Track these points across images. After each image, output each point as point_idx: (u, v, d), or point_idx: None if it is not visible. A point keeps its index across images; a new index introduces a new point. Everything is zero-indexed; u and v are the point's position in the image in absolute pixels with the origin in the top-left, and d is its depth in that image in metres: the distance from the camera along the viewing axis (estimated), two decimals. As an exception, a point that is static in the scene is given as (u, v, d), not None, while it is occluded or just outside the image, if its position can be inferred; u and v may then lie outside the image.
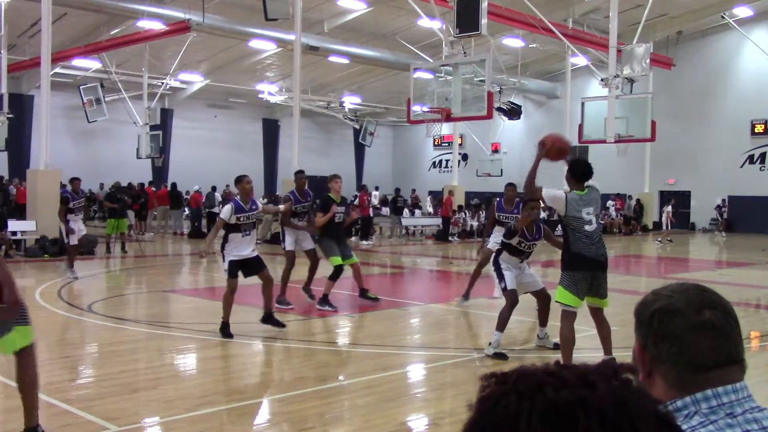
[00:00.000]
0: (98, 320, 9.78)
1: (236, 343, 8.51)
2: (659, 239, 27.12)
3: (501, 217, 10.63)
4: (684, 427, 1.31)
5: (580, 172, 7.03)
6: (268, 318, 8.96)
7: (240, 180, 8.94)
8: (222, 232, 8.83)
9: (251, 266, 8.73)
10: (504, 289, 8.17)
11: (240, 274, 8.72)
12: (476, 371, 7.62)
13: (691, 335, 1.37)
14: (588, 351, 8.50)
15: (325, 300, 10.49)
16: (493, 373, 0.91)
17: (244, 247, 8.64)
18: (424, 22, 24.33)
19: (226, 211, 8.65)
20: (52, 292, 12.22)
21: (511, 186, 11.06)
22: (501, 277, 8.18)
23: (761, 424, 1.32)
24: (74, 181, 14.40)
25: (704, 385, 1.35)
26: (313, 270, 11.18)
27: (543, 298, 8.58)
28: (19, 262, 17.02)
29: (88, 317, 10.01)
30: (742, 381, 1.38)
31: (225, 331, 8.55)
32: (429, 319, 10.58)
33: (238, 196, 8.89)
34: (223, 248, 8.71)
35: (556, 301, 7.05)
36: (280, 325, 8.97)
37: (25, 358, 4.80)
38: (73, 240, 13.91)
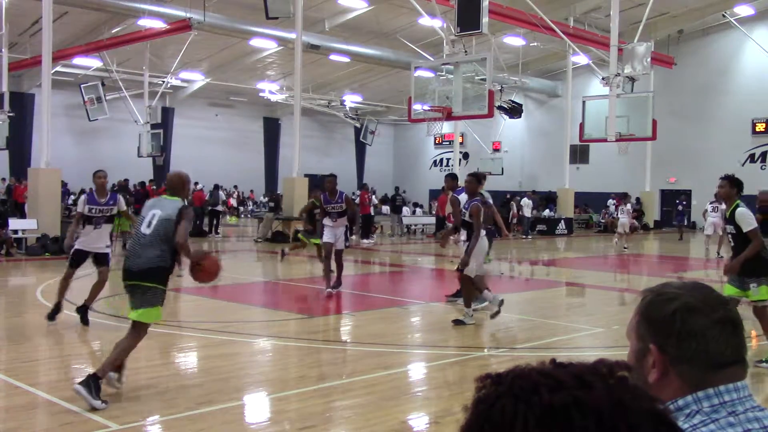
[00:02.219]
0: (99, 319, 9.78)
1: (237, 342, 8.51)
2: (625, 245, 23.20)
3: (327, 208, 11.92)
4: (685, 426, 1.30)
5: (741, 186, 7.66)
6: None
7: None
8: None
9: None
10: None
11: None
12: (477, 370, 7.63)
13: (715, 332, 1.37)
14: (589, 350, 8.52)
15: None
16: (488, 374, 0.91)
17: None
18: (425, 21, 24.35)
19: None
20: (53, 290, 12.22)
21: (330, 178, 12.15)
22: None
23: (762, 423, 1.32)
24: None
25: (721, 382, 1.35)
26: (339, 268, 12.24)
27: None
28: (20, 261, 17.04)
29: (89, 315, 10.01)
30: (744, 379, 1.38)
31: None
32: (429, 318, 10.58)
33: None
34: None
35: (758, 301, 7.38)
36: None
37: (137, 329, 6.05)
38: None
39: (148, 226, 5.98)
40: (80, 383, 5.66)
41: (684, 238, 27.80)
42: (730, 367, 1.36)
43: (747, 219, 7.32)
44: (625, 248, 23.01)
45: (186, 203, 6.20)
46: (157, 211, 5.99)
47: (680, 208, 28.88)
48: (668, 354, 1.39)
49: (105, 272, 9.22)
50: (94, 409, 5.57)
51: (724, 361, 1.36)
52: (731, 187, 7.49)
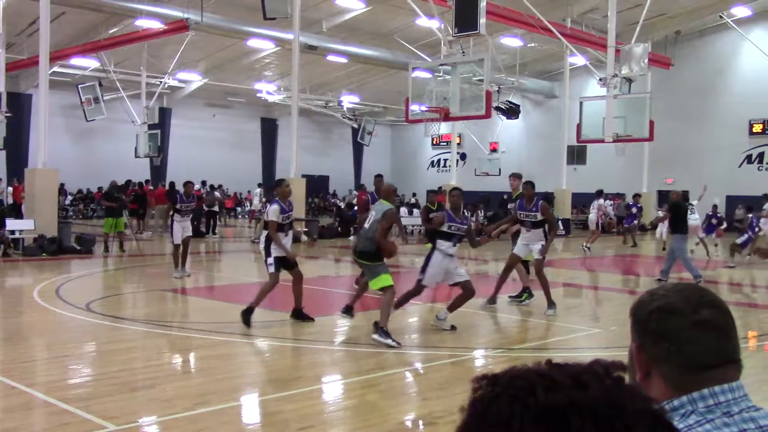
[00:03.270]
0: (96, 319, 9.78)
1: (234, 343, 8.51)
2: (584, 244, 22.07)
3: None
4: (680, 426, 1.31)
5: None
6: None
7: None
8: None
9: None
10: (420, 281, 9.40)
11: None
12: (473, 371, 7.63)
13: (691, 334, 1.37)
14: (586, 351, 8.53)
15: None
16: (484, 375, 0.91)
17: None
18: (423, 22, 24.33)
19: None
20: (50, 290, 12.22)
21: (378, 178, 12.62)
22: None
23: (758, 423, 1.32)
24: (187, 184, 15.10)
25: (704, 385, 1.35)
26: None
27: (466, 290, 9.26)
28: (17, 261, 17.02)
29: (86, 316, 10.01)
30: (738, 380, 1.38)
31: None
32: (426, 319, 10.57)
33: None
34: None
35: None
36: None
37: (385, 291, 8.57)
38: (176, 239, 14.32)
39: (368, 222, 8.52)
40: (373, 333, 8.24)
41: (638, 244, 25.02)
42: (715, 369, 1.36)
43: None
44: (585, 248, 21.64)
45: (393, 208, 8.58)
46: (374, 212, 8.49)
47: (634, 210, 25.39)
48: (647, 354, 1.40)
49: (297, 270, 9.80)
50: (389, 347, 8.01)
51: (704, 364, 1.36)
52: None
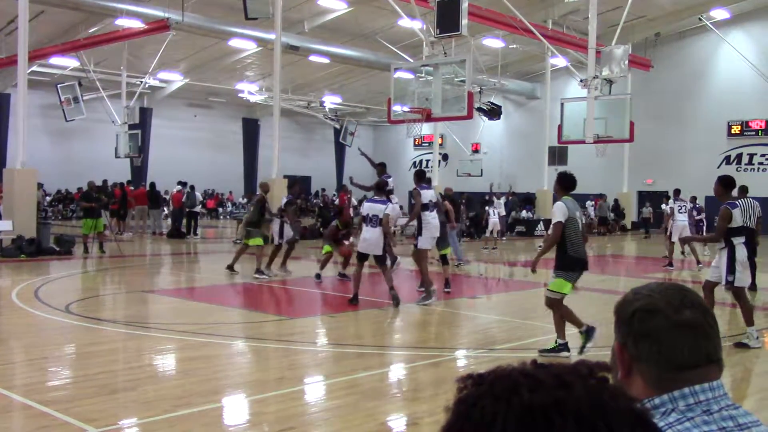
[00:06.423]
0: (76, 321, 9.69)
1: (215, 344, 8.47)
2: (486, 246, 22.54)
3: None
4: (661, 424, 1.32)
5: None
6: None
7: None
8: None
9: None
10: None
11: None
12: (455, 371, 7.65)
13: (672, 334, 1.38)
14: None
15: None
16: (469, 374, 0.91)
17: None
18: (405, 23, 24.35)
19: None
20: (29, 292, 12.09)
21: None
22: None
23: (737, 421, 1.33)
24: (295, 184, 16.08)
25: (684, 384, 1.36)
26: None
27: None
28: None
29: (66, 318, 9.92)
30: (718, 379, 1.39)
31: None
32: (409, 319, 10.58)
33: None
34: None
35: None
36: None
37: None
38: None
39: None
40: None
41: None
42: (696, 369, 1.37)
43: None
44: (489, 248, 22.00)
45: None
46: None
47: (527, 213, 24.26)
48: (629, 352, 1.41)
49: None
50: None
51: (684, 364, 1.37)
52: None
